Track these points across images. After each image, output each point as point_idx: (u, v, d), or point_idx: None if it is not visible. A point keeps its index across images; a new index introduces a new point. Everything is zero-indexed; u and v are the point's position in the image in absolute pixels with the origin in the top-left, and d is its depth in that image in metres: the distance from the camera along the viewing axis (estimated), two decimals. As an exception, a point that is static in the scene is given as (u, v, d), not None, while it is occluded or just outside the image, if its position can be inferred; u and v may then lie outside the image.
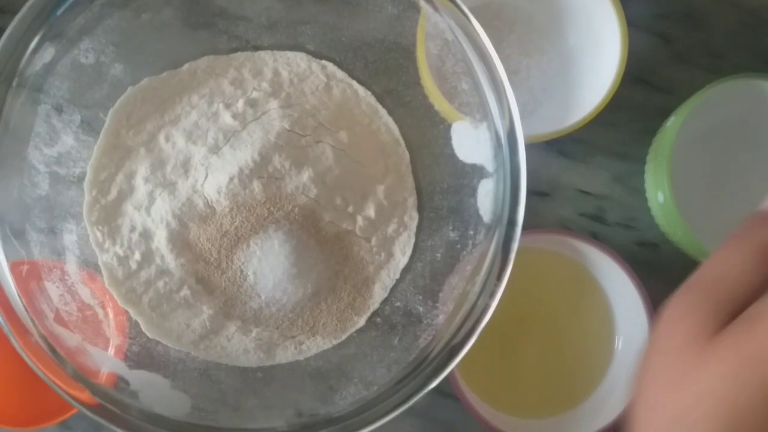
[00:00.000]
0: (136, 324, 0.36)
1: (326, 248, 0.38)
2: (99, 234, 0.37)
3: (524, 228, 0.32)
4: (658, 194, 0.41)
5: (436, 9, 0.32)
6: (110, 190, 0.37)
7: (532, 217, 0.31)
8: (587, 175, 0.44)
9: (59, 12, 0.32)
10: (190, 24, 0.38)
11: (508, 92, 0.31)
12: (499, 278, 0.31)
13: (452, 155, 0.37)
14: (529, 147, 0.32)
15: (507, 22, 0.42)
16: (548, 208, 0.44)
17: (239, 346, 0.36)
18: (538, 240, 0.41)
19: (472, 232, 0.35)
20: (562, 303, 0.43)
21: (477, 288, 0.31)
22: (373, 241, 0.38)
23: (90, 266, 0.36)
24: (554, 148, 0.43)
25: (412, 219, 0.39)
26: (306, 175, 0.37)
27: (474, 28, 0.31)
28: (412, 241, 0.39)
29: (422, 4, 0.33)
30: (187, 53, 0.39)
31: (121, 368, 0.33)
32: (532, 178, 0.31)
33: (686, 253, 0.41)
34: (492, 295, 0.31)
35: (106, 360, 0.33)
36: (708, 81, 0.40)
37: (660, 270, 0.43)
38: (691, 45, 0.45)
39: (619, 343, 0.42)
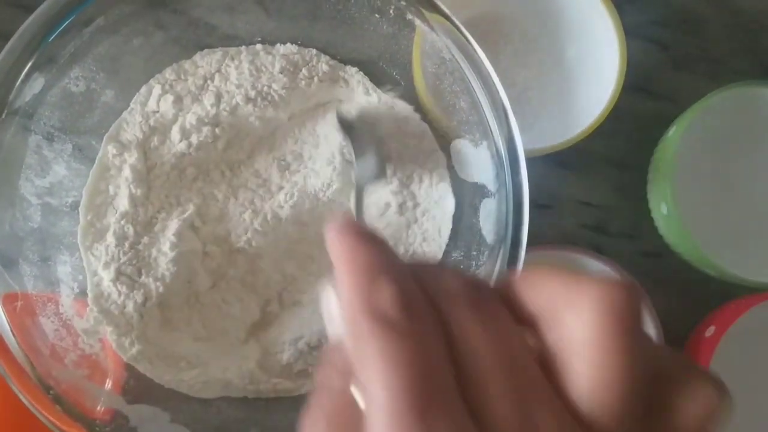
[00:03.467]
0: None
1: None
2: (93, 259, 0.36)
3: (526, 243, 0.31)
4: (661, 206, 0.40)
5: (432, 28, 0.31)
6: (106, 214, 0.37)
7: (533, 230, 0.30)
8: (588, 186, 0.44)
9: (49, 40, 0.31)
10: (182, 45, 0.38)
11: (508, 112, 0.31)
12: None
13: (452, 172, 0.37)
14: (529, 159, 0.31)
15: (503, 35, 0.42)
16: (550, 220, 0.43)
17: (242, 382, 0.35)
18: (540, 256, 0.40)
19: (475, 253, 0.34)
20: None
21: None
22: None
23: (85, 297, 0.35)
24: (554, 160, 0.43)
25: None
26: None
27: (471, 47, 0.31)
28: None
29: (418, 22, 0.32)
30: (180, 76, 0.38)
31: (119, 403, 0.32)
32: (533, 191, 0.31)
33: (690, 263, 0.41)
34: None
35: (104, 395, 0.32)
36: (707, 87, 0.40)
37: (664, 280, 0.43)
38: (689, 52, 0.44)
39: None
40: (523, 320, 0.18)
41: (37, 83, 0.32)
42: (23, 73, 0.31)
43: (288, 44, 0.38)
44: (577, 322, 0.17)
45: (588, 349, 0.17)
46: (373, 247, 0.18)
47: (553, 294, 0.18)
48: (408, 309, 0.17)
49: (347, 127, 0.36)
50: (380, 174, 0.35)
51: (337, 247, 0.18)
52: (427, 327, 0.17)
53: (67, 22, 0.32)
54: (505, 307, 0.18)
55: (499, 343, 0.17)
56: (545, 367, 0.17)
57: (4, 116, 0.31)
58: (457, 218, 0.37)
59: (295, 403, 0.36)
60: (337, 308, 0.18)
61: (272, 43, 0.39)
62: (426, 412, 0.16)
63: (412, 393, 0.16)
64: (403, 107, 0.37)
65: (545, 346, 0.18)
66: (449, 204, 0.37)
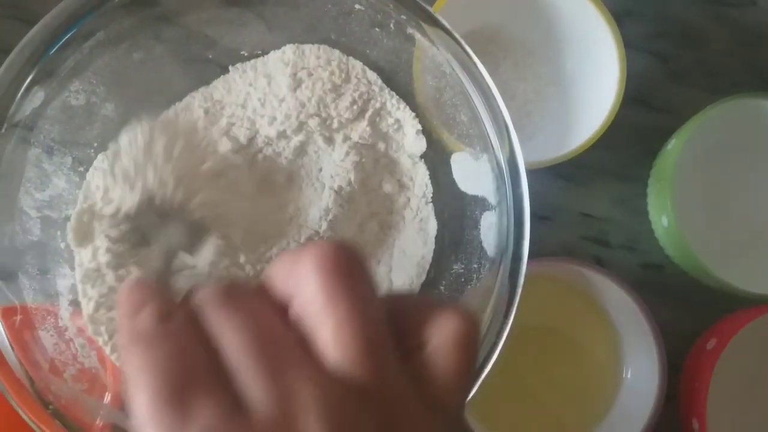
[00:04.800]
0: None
1: None
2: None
3: (528, 255, 0.31)
4: (662, 218, 0.40)
5: (432, 42, 0.32)
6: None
7: (534, 242, 0.30)
8: (588, 197, 0.44)
9: (49, 54, 0.32)
10: (182, 59, 0.38)
11: (508, 125, 0.31)
12: (506, 316, 0.30)
13: (453, 184, 0.37)
14: (530, 171, 0.31)
15: (502, 47, 0.42)
16: (550, 232, 0.43)
17: None
18: (541, 267, 0.40)
19: (476, 266, 0.34)
20: (567, 331, 0.42)
21: (484, 325, 0.31)
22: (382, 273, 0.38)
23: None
24: (554, 172, 0.43)
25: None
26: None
27: (471, 60, 0.31)
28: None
29: (418, 36, 0.32)
30: (180, 88, 0.38)
31: (119, 417, 0.32)
32: (533, 203, 0.31)
33: (691, 275, 0.41)
34: (499, 334, 0.30)
35: (103, 409, 0.32)
36: (707, 100, 0.40)
37: (666, 292, 0.43)
38: (688, 64, 0.44)
39: (628, 371, 0.42)
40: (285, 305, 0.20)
41: (37, 97, 0.32)
42: (23, 87, 0.31)
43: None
44: (303, 286, 0.19)
45: (315, 307, 0.19)
46: (142, 286, 0.21)
47: (287, 271, 0.20)
48: (163, 320, 0.19)
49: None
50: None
51: (117, 298, 0.21)
52: (181, 332, 0.19)
53: (67, 36, 0.32)
54: (259, 299, 0.20)
55: (245, 329, 0.19)
56: (302, 341, 0.19)
57: (4, 130, 0.31)
58: (458, 231, 0.37)
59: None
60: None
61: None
62: (184, 401, 0.17)
63: (166, 386, 0.18)
64: None
65: (296, 324, 0.19)
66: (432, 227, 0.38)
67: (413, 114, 0.37)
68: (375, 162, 0.38)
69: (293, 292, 0.19)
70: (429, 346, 0.19)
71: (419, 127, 0.37)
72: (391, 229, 0.38)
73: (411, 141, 0.38)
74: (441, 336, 0.19)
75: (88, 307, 0.33)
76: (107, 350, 0.33)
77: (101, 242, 0.33)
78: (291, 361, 0.18)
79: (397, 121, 0.38)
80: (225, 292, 0.20)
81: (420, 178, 0.38)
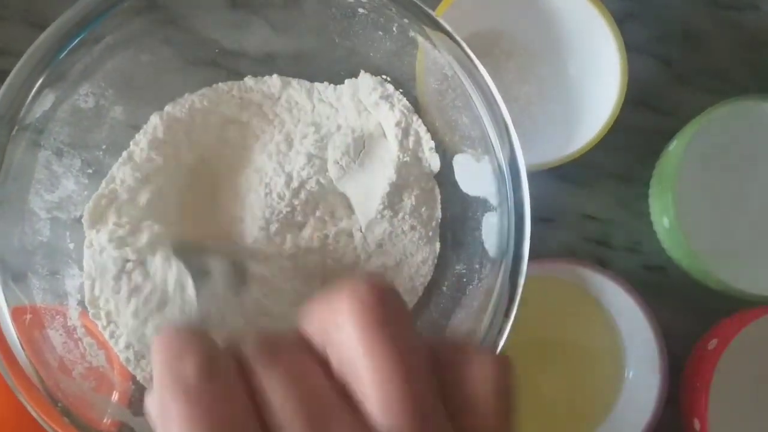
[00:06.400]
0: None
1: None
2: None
3: (529, 255, 0.31)
4: (663, 219, 0.40)
5: (434, 44, 0.32)
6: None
7: (537, 244, 0.31)
8: (591, 199, 0.44)
9: (59, 58, 0.32)
10: (190, 62, 0.38)
11: (509, 127, 0.31)
12: (507, 315, 0.30)
13: (455, 185, 0.37)
14: (532, 173, 0.32)
15: (504, 50, 0.42)
16: (552, 233, 0.44)
17: None
18: (543, 269, 0.41)
19: (477, 266, 0.34)
20: (569, 332, 0.42)
21: (484, 325, 0.31)
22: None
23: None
24: (556, 173, 0.43)
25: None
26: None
27: (473, 63, 0.31)
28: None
29: (420, 39, 0.33)
30: (187, 91, 0.39)
31: (126, 415, 0.33)
32: (535, 204, 0.31)
33: (693, 277, 0.41)
34: (500, 333, 0.30)
35: (111, 407, 0.33)
36: (709, 102, 0.40)
37: (668, 293, 0.43)
38: (691, 67, 0.45)
39: (629, 371, 0.42)
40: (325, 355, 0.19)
41: (48, 100, 0.33)
42: (34, 90, 0.32)
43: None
44: (341, 336, 0.18)
45: (355, 362, 0.17)
46: (184, 334, 0.19)
47: (323, 319, 0.19)
48: (210, 374, 0.18)
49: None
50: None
51: (155, 345, 0.19)
52: (230, 387, 0.18)
53: (77, 40, 0.32)
54: (299, 350, 0.19)
55: (292, 388, 0.18)
56: (346, 394, 0.18)
57: (14, 132, 0.32)
58: (460, 232, 0.37)
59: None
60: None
61: (277, 61, 0.39)
62: None
63: None
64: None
65: (337, 372, 0.18)
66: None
67: (426, 129, 0.38)
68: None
69: (332, 341, 0.18)
70: (472, 397, 0.19)
71: (432, 144, 0.38)
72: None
73: (427, 157, 0.38)
74: (481, 386, 0.19)
75: (91, 291, 0.34)
76: (106, 335, 0.34)
77: (111, 225, 0.34)
78: (338, 424, 0.17)
79: (417, 135, 0.38)
80: (268, 343, 0.19)
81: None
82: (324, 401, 0.18)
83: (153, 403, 0.19)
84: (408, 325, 0.18)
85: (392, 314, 0.18)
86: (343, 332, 0.18)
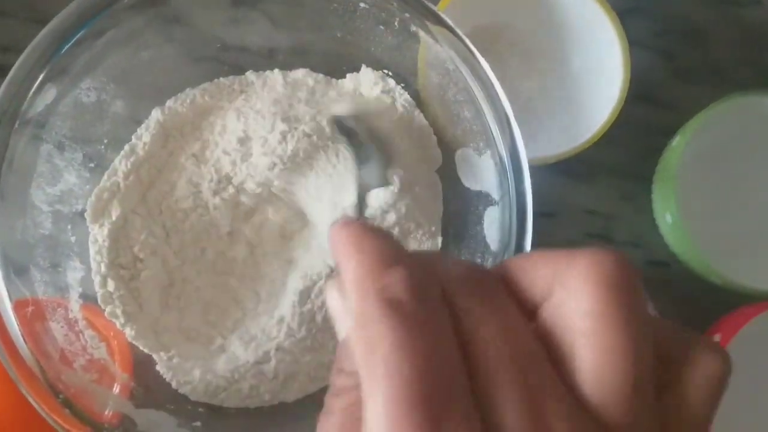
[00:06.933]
0: (142, 361, 0.35)
1: None
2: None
3: (531, 250, 0.31)
4: (666, 215, 0.40)
5: (436, 39, 0.32)
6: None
7: (539, 239, 0.30)
8: (593, 194, 0.44)
9: (61, 52, 0.32)
10: (191, 57, 0.39)
11: (511, 121, 0.31)
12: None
13: (457, 180, 0.37)
14: (534, 168, 0.32)
15: (507, 46, 0.42)
16: (555, 228, 0.44)
17: (253, 390, 0.36)
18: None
19: (479, 260, 0.34)
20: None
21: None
22: None
23: (94, 302, 0.36)
24: (558, 168, 0.43)
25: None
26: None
27: (475, 57, 0.31)
28: None
29: (422, 34, 0.33)
30: (189, 86, 0.39)
31: (127, 407, 0.33)
32: (538, 199, 0.31)
33: (696, 272, 0.41)
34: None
35: (112, 399, 0.33)
36: (711, 98, 0.40)
37: (671, 289, 0.43)
38: (693, 62, 0.44)
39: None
40: (524, 310, 0.17)
41: (50, 94, 0.33)
42: (36, 84, 0.32)
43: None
44: (571, 293, 0.16)
45: (582, 324, 0.15)
46: (382, 236, 0.16)
47: (546, 276, 0.16)
48: (421, 295, 0.15)
49: (347, 132, 0.35)
50: (384, 180, 0.34)
51: (343, 237, 0.16)
52: (440, 317, 0.15)
53: (79, 35, 0.33)
54: (505, 294, 0.17)
55: (511, 337, 0.15)
56: (554, 356, 0.16)
57: (17, 126, 0.32)
58: (461, 226, 0.37)
59: (305, 407, 0.36)
60: (341, 302, 0.17)
61: (279, 56, 0.39)
62: (434, 415, 0.14)
63: (419, 387, 0.14)
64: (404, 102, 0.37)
65: (546, 334, 0.16)
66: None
67: (428, 123, 0.38)
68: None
69: (549, 296, 0.16)
70: (683, 387, 0.17)
71: (434, 138, 0.37)
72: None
73: (429, 152, 0.38)
74: (698, 380, 0.17)
75: (103, 286, 0.35)
76: (118, 324, 0.34)
77: (115, 218, 0.34)
78: (549, 391, 0.15)
79: (419, 130, 0.38)
80: (477, 277, 0.16)
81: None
82: (535, 363, 0.15)
83: (339, 304, 0.16)
84: (645, 306, 0.16)
85: (637, 288, 0.16)
86: (576, 291, 0.16)
